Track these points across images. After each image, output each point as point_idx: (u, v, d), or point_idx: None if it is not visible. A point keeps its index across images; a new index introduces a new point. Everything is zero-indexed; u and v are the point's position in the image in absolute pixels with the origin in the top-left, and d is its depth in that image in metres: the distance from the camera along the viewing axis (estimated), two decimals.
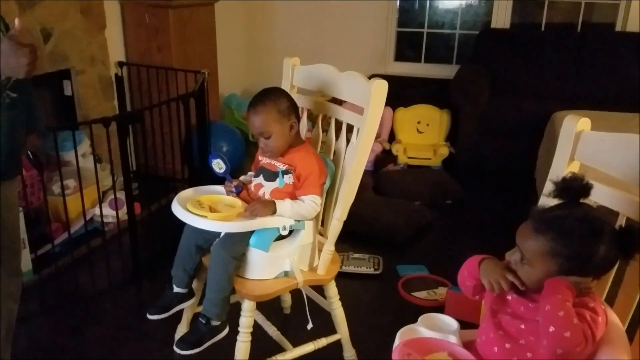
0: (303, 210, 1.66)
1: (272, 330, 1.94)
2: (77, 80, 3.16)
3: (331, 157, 1.81)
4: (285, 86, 1.93)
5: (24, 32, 1.40)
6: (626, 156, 1.22)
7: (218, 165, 1.76)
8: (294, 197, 1.69)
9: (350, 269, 2.63)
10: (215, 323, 1.68)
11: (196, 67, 3.26)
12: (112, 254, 2.59)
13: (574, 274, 1.12)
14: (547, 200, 1.22)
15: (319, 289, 1.89)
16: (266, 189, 1.72)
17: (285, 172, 1.71)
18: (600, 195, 1.24)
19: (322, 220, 1.85)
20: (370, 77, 1.64)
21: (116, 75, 3.51)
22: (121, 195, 2.69)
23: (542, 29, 4.47)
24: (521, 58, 4.16)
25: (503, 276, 1.16)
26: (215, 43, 3.96)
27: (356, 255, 2.74)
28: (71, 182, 2.69)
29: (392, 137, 4.28)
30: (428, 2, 4.69)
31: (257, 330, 1.81)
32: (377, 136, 3.52)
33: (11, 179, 1.68)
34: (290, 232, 1.70)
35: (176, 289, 1.77)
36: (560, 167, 1.33)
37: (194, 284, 1.82)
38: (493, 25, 4.52)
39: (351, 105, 1.72)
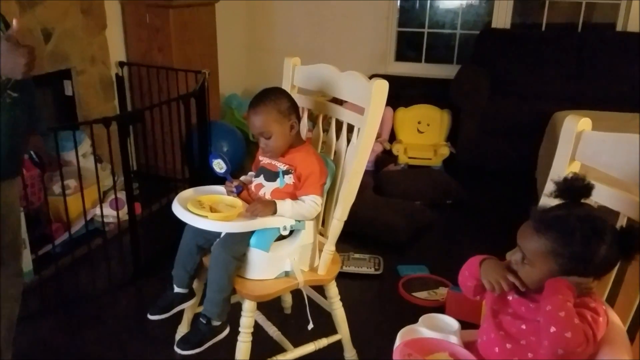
0: (304, 211, 1.66)
1: (272, 330, 1.94)
2: (78, 80, 3.16)
3: (332, 157, 1.81)
4: (285, 86, 1.93)
5: (22, 32, 1.40)
6: (627, 156, 1.22)
7: (218, 165, 1.76)
8: (294, 197, 1.69)
9: (351, 269, 2.63)
10: (215, 323, 1.68)
11: (197, 67, 3.27)
12: (112, 254, 2.59)
13: (575, 274, 1.12)
14: (548, 200, 1.22)
15: (320, 289, 1.89)
16: (267, 189, 1.72)
17: (285, 172, 1.71)
18: (601, 196, 1.24)
19: (323, 221, 1.85)
20: (370, 77, 1.64)
21: (117, 75, 3.51)
22: (122, 195, 2.69)
23: (543, 29, 4.47)
24: (522, 58, 4.15)
25: (504, 276, 1.16)
26: (215, 43, 3.96)
27: (357, 256, 2.74)
28: (72, 182, 2.69)
29: (392, 137, 4.28)
30: (429, 2, 4.69)
31: (258, 331, 1.81)
32: (378, 136, 3.51)
33: (12, 179, 1.69)
34: (291, 232, 1.70)
35: (177, 289, 1.77)
36: (561, 167, 1.33)
37: (195, 284, 1.82)
38: (494, 25, 4.52)
39: (352, 105, 1.72)
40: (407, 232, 2.97)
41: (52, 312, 2.32)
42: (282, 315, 2.26)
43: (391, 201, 3.31)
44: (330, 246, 1.74)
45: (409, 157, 4.08)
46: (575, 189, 1.15)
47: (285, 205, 1.65)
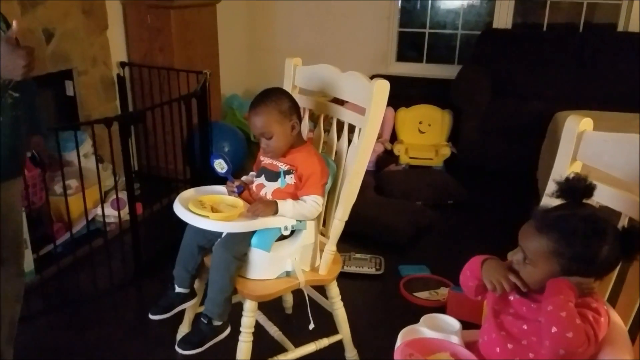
0: (305, 211, 1.66)
1: (273, 330, 1.94)
2: (79, 81, 3.16)
3: (333, 158, 1.81)
4: (286, 86, 1.93)
5: (20, 33, 1.41)
6: (628, 156, 1.22)
7: (220, 166, 1.76)
8: (295, 197, 1.69)
9: (352, 269, 2.63)
10: (217, 323, 1.68)
11: (198, 68, 3.27)
12: (113, 254, 2.59)
13: (577, 274, 1.12)
14: (549, 200, 1.22)
15: (321, 289, 1.89)
16: (268, 189, 1.72)
17: (287, 173, 1.71)
18: (602, 196, 1.24)
19: (324, 221, 1.85)
20: (371, 78, 1.64)
21: (118, 75, 3.52)
22: (123, 195, 2.70)
23: (544, 29, 4.47)
24: (523, 58, 4.15)
25: (505, 277, 1.16)
26: (217, 43, 3.96)
27: (358, 256, 2.73)
28: (73, 182, 2.69)
29: (393, 138, 4.28)
30: (430, 2, 4.69)
31: (259, 331, 1.81)
32: (379, 136, 3.52)
33: (14, 179, 1.69)
34: (292, 232, 1.70)
35: (178, 289, 1.78)
36: (563, 167, 1.33)
37: (196, 284, 1.82)
38: (495, 25, 4.52)
39: (353, 105, 1.72)
40: (408, 232, 2.97)
41: (54, 312, 2.33)
42: (283, 315, 2.26)
43: (392, 201, 3.31)
44: (331, 246, 1.74)
45: (410, 157, 4.08)
46: (577, 189, 1.15)
47: (286, 206, 1.65)
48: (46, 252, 2.56)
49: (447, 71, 4.48)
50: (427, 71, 4.68)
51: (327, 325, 1.89)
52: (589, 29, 4.35)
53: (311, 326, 1.81)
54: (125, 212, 2.70)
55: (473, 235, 3.10)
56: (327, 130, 1.87)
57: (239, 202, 1.71)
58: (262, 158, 1.79)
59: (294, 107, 1.72)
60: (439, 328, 1.29)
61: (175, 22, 3.48)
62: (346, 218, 1.71)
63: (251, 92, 4.75)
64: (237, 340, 1.71)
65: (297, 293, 1.92)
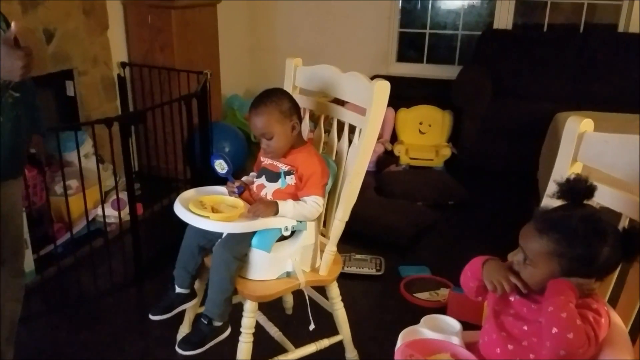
0: (305, 211, 1.66)
1: (274, 331, 1.94)
2: (80, 81, 3.16)
3: (333, 158, 1.81)
4: (287, 87, 1.93)
5: (22, 33, 1.41)
6: (629, 157, 1.22)
7: (220, 166, 1.76)
8: (296, 197, 1.69)
9: (352, 269, 2.63)
10: (217, 323, 1.68)
11: (198, 68, 3.27)
12: (114, 254, 2.59)
13: (577, 275, 1.12)
14: (550, 201, 1.22)
15: (321, 290, 1.89)
16: (268, 189, 1.72)
17: (287, 173, 1.71)
18: (603, 197, 1.24)
19: (324, 221, 1.85)
20: (372, 78, 1.64)
21: (119, 75, 3.52)
22: (123, 195, 2.70)
23: (545, 29, 4.46)
24: (523, 59, 4.15)
25: (506, 277, 1.16)
26: (217, 44, 3.96)
27: (358, 256, 2.73)
28: (73, 183, 2.69)
29: (394, 138, 4.28)
30: (430, 2, 4.69)
31: (259, 331, 1.81)
32: (379, 137, 3.52)
33: (14, 179, 1.69)
34: (292, 232, 1.70)
35: (178, 290, 1.77)
36: (563, 168, 1.33)
37: (196, 285, 1.82)
38: (495, 26, 4.52)
39: (353, 105, 1.72)
40: (409, 232, 2.97)
41: (54, 312, 2.33)
42: (284, 315, 2.26)
43: (393, 202, 3.31)
44: (331, 247, 1.74)
45: (411, 158, 4.08)
46: (577, 190, 1.15)
47: (286, 206, 1.65)
48: (46, 252, 2.56)
49: (447, 72, 4.48)
50: (427, 72, 4.68)
51: (327, 325, 1.89)
52: (589, 30, 4.35)
53: (311, 327, 1.81)
54: (125, 213, 2.70)
55: (473, 235, 3.10)
56: (328, 131, 1.87)
57: (240, 202, 1.70)
58: (262, 158, 1.79)
59: (295, 107, 1.72)
60: (440, 329, 1.29)
61: (175, 22, 3.48)
62: (346, 218, 1.71)
63: (252, 92, 4.75)
64: (237, 341, 1.71)
65: (298, 293, 1.92)
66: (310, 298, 1.86)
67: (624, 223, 1.23)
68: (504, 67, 4.14)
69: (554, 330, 1.04)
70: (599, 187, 1.18)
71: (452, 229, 3.22)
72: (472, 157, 3.99)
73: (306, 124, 1.89)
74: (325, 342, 1.88)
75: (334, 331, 1.90)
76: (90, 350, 2.12)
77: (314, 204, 1.67)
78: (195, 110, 3.00)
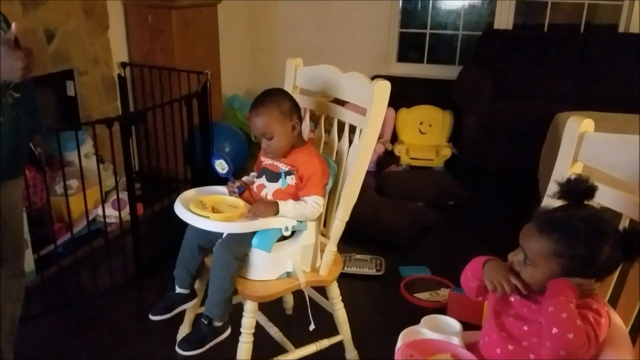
0: (306, 211, 1.66)
1: (274, 331, 1.94)
2: (80, 81, 3.16)
3: (333, 158, 1.81)
4: (287, 87, 1.93)
5: (22, 34, 1.41)
6: (630, 157, 1.21)
7: (221, 166, 1.76)
8: (296, 197, 1.69)
9: (353, 269, 2.63)
10: (217, 324, 1.68)
11: (199, 68, 3.27)
12: (114, 254, 2.59)
13: (578, 275, 1.12)
14: (550, 201, 1.22)
15: (321, 290, 1.89)
16: (269, 189, 1.72)
17: (287, 173, 1.71)
18: (603, 197, 1.24)
19: (325, 221, 1.85)
20: (372, 78, 1.64)
21: (119, 75, 3.52)
22: (124, 195, 2.70)
23: (545, 30, 4.46)
24: (524, 59, 4.15)
25: (506, 278, 1.16)
26: (218, 44, 3.96)
27: (358, 256, 2.73)
28: (74, 183, 2.69)
29: (394, 138, 4.28)
30: (431, 2, 4.69)
31: (259, 331, 1.81)
32: (380, 137, 3.52)
33: (15, 179, 1.69)
34: (293, 233, 1.70)
35: (178, 290, 1.78)
36: (564, 168, 1.33)
37: (196, 285, 1.82)
38: (496, 26, 4.52)
39: (354, 106, 1.72)
40: (409, 233, 2.97)
41: (54, 312, 2.33)
42: (284, 316, 2.26)
43: (393, 202, 3.31)
44: (332, 247, 1.74)
45: (411, 158, 4.08)
46: (578, 190, 1.15)
47: (287, 206, 1.65)
48: (47, 252, 2.56)
49: (448, 72, 4.48)
50: (428, 72, 4.68)
51: (327, 326, 1.89)
52: (590, 30, 4.35)
53: (312, 327, 1.81)
54: (126, 213, 2.70)
55: (474, 236, 3.09)
56: (328, 131, 1.87)
57: (240, 202, 1.71)
58: (262, 158, 1.79)
59: (295, 107, 1.72)
60: (440, 329, 1.29)
61: (176, 22, 3.49)
62: (347, 219, 1.71)
63: (252, 92, 4.75)
64: (237, 341, 1.71)
65: (298, 294, 1.92)
66: (310, 298, 1.86)
67: (624, 223, 1.23)
68: (505, 67, 4.14)
69: (554, 330, 1.04)
70: (599, 188, 1.18)
71: (452, 229, 3.21)
72: (472, 157, 3.99)
73: (306, 124, 1.89)
74: (325, 342, 1.88)
75: (334, 331, 1.90)
76: (91, 350, 2.12)
77: (314, 204, 1.67)
78: (196, 110, 3.00)
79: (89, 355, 2.10)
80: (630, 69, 3.92)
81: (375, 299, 2.53)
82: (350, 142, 1.73)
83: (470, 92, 3.87)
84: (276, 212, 1.64)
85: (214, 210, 1.67)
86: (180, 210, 1.65)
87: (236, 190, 1.75)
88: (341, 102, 1.83)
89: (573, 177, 1.21)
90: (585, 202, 1.17)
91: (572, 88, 4.02)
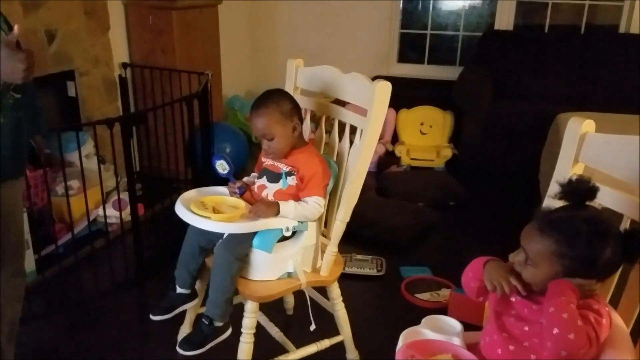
0: (306, 212, 1.66)
1: (274, 331, 1.95)
2: (81, 82, 3.16)
3: (334, 159, 1.81)
4: (288, 87, 1.93)
5: (23, 35, 1.42)
6: (630, 158, 1.21)
7: (221, 166, 1.77)
8: (297, 198, 1.69)
9: (353, 270, 2.63)
10: (218, 324, 1.68)
11: (200, 69, 3.27)
12: (115, 254, 2.59)
13: (578, 276, 1.12)
14: (551, 201, 1.22)
15: (322, 290, 1.89)
16: (269, 190, 1.72)
17: (288, 174, 1.71)
18: (604, 197, 1.24)
19: (325, 222, 1.85)
20: (373, 79, 1.64)
21: (120, 76, 3.52)
22: (125, 196, 2.70)
23: (546, 30, 4.46)
24: (525, 60, 4.15)
25: (506, 278, 1.16)
26: (218, 44, 3.96)
27: (359, 257, 2.73)
28: (75, 183, 2.69)
29: (395, 139, 4.28)
30: (431, 3, 4.69)
31: (260, 332, 1.81)
32: (380, 137, 3.52)
33: (15, 179, 1.69)
34: (294, 233, 1.70)
35: (179, 290, 1.78)
36: (565, 169, 1.33)
37: (197, 285, 1.82)
38: (496, 26, 4.52)
39: (354, 106, 1.72)
40: (410, 233, 2.97)
41: (55, 312, 2.33)
42: (285, 316, 2.26)
43: (394, 202, 3.31)
44: (332, 247, 1.74)
45: (412, 159, 4.08)
46: (579, 191, 1.15)
47: (288, 207, 1.65)
48: (48, 252, 2.57)
49: (448, 72, 4.48)
50: (428, 72, 4.68)
51: (328, 326, 1.89)
52: (590, 31, 4.35)
53: (312, 327, 1.81)
54: (126, 213, 2.70)
55: (474, 236, 3.09)
56: (329, 132, 1.87)
57: (241, 203, 1.71)
58: (263, 159, 1.79)
59: (295, 108, 1.72)
60: (441, 329, 1.29)
61: (177, 23, 3.49)
62: (347, 219, 1.71)
63: (253, 93, 4.75)
64: (238, 341, 1.71)
65: (298, 294, 1.92)
66: (311, 298, 1.86)
67: (624, 224, 1.22)
68: (505, 68, 4.14)
69: (555, 330, 1.04)
70: (600, 188, 1.18)
71: (453, 229, 3.21)
72: (473, 158, 3.99)
73: (307, 125, 1.90)
74: (326, 343, 1.88)
75: (335, 331, 1.90)
76: (91, 351, 2.12)
77: (315, 204, 1.67)
78: (197, 110, 3.00)
79: (89, 355, 2.10)
80: (631, 69, 3.92)
81: (376, 300, 2.53)
82: (351, 142, 1.73)
83: (470, 92, 3.87)
84: (277, 213, 1.64)
85: (215, 210, 1.67)
86: (181, 210, 1.65)
87: (237, 190, 1.75)
88: (342, 103, 1.83)
89: (575, 177, 1.20)
90: (587, 203, 1.17)
91: (573, 89, 4.02)
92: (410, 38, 4.80)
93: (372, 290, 2.58)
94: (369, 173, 1.72)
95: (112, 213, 2.79)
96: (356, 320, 1.96)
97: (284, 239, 1.69)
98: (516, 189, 3.65)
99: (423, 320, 1.32)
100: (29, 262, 2.37)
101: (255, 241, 1.65)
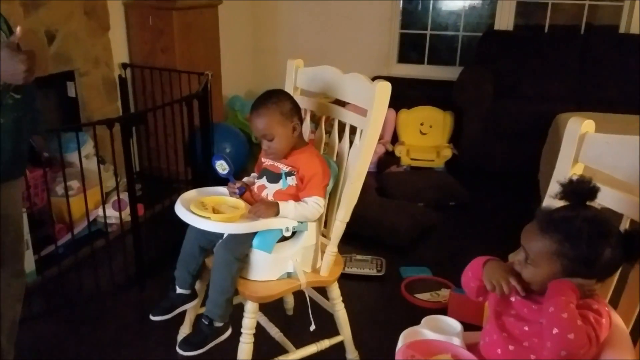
0: (306, 212, 1.66)
1: (274, 331, 1.94)
2: (81, 82, 3.16)
3: (334, 159, 1.81)
4: (288, 88, 1.93)
5: (24, 36, 1.42)
6: (630, 158, 1.21)
7: (221, 167, 1.77)
8: (297, 198, 1.69)
9: (353, 270, 2.63)
10: (218, 324, 1.68)
11: (200, 69, 3.27)
12: (115, 255, 2.59)
13: (579, 275, 1.12)
14: (552, 201, 1.22)
15: (322, 291, 1.89)
16: (269, 190, 1.72)
17: (288, 174, 1.71)
18: (604, 198, 1.23)
19: (325, 222, 1.85)
20: (373, 79, 1.64)
21: (120, 76, 3.52)
22: (124, 196, 2.70)
23: (546, 30, 4.46)
24: (525, 60, 4.15)
25: (505, 279, 1.16)
26: (218, 45, 3.96)
27: (359, 257, 2.73)
28: (75, 184, 2.69)
29: (395, 139, 4.28)
30: (431, 3, 4.69)
31: (260, 332, 1.81)
32: (380, 138, 3.52)
33: (15, 180, 1.69)
34: (294, 233, 1.70)
35: (179, 290, 1.78)
36: (564, 169, 1.33)
37: (197, 285, 1.82)
38: (496, 27, 4.52)
39: (354, 107, 1.72)
40: (410, 233, 2.97)
41: (55, 313, 2.33)
42: (284, 316, 2.26)
43: (394, 203, 3.31)
44: (332, 247, 1.74)
45: (412, 159, 4.08)
46: (580, 191, 1.15)
47: (288, 207, 1.65)
48: (47, 253, 2.56)
49: (448, 73, 4.48)
50: (428, 73, 4.68)
51: (328, 326, 1.89)
52: (590, 31, 4.34)
53: (312, 327, 1.81)
54: (126, 213, 2.70)
55: (474, 236, 3.09)
56: (329, 132, 1.88)
57: (241, 203, 1.71)
58: (263, 159, 1.79)
59: (295, 108, 1.72)
60: (441, 330, 1.29)
61: (177, 23, 3.49)
62: (347, 219, 1.71)
63: (253, 93, 4.75)
64: (238, 342, 1.71)
65: (298, 294, 1.92)
66: (311, 299, 1.86)
67: (624, 224, 1.22)
68: (505, 68, 4.14)
69: (555, 330, 1.04)
70: (600, 188, 1.18)
71: (453, 229, 3.21)
72: (473, 158, 3.99)
73: (307, 125, 1.90)
74: (326, 343, 1.88)
75: (335, 332, 1.90)
76: (91, 351, 2.12)
77: (315, 204, 1.67)
78: (197, 111, 3.00)
79: (89, 355, 2.10)
80: (631, 69, 3.91)
81: (376, 300, 2.53)
82: (351, 143, 1.73)
83: (470, 93, 3.87)
84: (277, 213, 1.64)
85: (215, 211, 1.67)
86: (181, 211, 1.65)
87: (237, 191, 1.75)
88: (342, 103, 1.83)
89: (576, 177, 1.20)
90: (587, 203, 1.17)
91: (573, 89, 4.02)
92: (410, 38, 4.80)
93: (372, 290, 2.58)
94: (369, 173, 1.72)
95: (112, 213, 2.79)
96: (356, 321, 1.96)
97: (284, 239, 1.69)
98: (516, 189, 3.65)
99: (423, 320, 1.32)
100: (29, 262, 2.37)
101: (255, 241, 1.65)
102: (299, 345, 1.86)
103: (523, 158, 3.68)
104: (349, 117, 1.75)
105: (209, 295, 1.68)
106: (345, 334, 1.90)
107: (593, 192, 1.16)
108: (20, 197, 1.76)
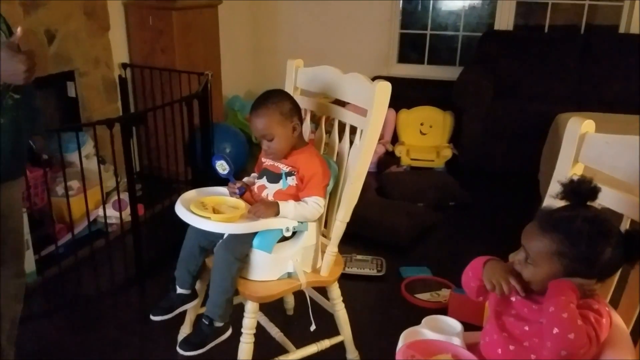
0: (306, 212, 1.66)
1: (275, 331, 1.95)
2: (81, 82, 3.16)
3: (334, 159, 1.81)
4: (288, 88, 1.93)
5: (24, 37, 1.42)
6: (630, 158, 1.22)
7: (221, 167, 1.77)
8: (297, 198, 1.69)
9: (354, 270, 2.63)
10: (218, 324, 1.68)
11: (200, 69, 3.27)
12: (115, 255, 2.59)
13: (579, 275, 1.12)
14: (552, 201, 1.22)
15: (322, 291, 1.89)
16: (269, 190, 1.72)
17: (288, 174, 1.71)
18: (604, 198, 1.23)
19: (325, 222, 1.85)
20: (373, 79, 1.64)
21: (120, 76, 3.52)
22: (125, 196, 2.70)
23: (546, 30, 4.46)
24: (524, 60, 4.15)
25: (505, 279, 1.16)
26: (218, 45, 3.96)
27: (359, 257, 2.73)
28: (75, 184, 2.69)
29: (395, 139, 4.28)
30: (431, 3, 4.69)
31: (260, 332, 1.81)
32: (380, 138, 3.52)
33: (15, 180, 1.69)
34: (294, 233, 1.70)
35: (179, 290, 1.78)
36: (565, 169, 1.33)
37: (197, 285, 1.82)
38: (496, 27, 4.52)
39: (354, 107, 1.72)
40: (410, 233, 2.97)
41: (55, 312, 2.33)
42: (285, 316, 2.26)
43: (394, 203, 3.31)
44: (332, 247, 1.74)
45: (412, 159, 4.08)
46: (581, 191, 1.15)
47: (288, 207, 1.65)
48: (48, 253, 2.57)
49: (448, 73, 4.48)
50: (428, 73, 4.68)
51: (328, 326, 1.89)
52: (590, 31, 4.35)
53: (312, 327, 1.81)
54: (126, 213, 2.70)
55: (474, 236, 3.09)
56: (329, 132, 1.88)
57: (241, 203, 1.71)
58: (263, 159, 1.79)
59: (295, 108, 1.72)
60: (441, 329, 1.29)
61: (177, 23, 3.49)
62: (348, 219, 1.72)
63: (253, 93, 4.75)
64: (238, 342, 1.71)
65: (299, 294, 1.92)
66: (311, 299, 1.86)
67: (625, 224, 1.23)
68: (505, 68, 4.14)
69: (555, 330, 1.04)
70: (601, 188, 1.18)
71: (453, 230, 3.22)
72: (473, 158, 3.99)
73: (307, 125, 1.90)
74: (326, 343, 1.88)
75: (335, 332, 1.90)
76: (91, 351, 2.12)
77: (315, 204, 1.67)
78: (197, 111, 3.01)
79: (89, 355, 2.10)
80: (631, 69, 3.91)
81: (376, 300, 2.53)
82: (351, 143, 1.73)
83: (470, 93, 3.87)
84: (277, 213, 1.64)
85: (215, 211, 1.67)
86: (181, 211, 1.65)
87: (237, 191, 1.75)
88: (342, 103, 1.83)
89: (576, 177, 1.21)
90: (588, 203, 1.17)
91: (573, 89, 4.02)
92: (410, 38, 4.80)
93: (372, 290, 2.58)
94: (369, 173, 1.72)
95: (112, 213, 2.79)
96: (356, 321, 1.96)
97: (284, 239, 1.69)
98: (516, 189, 3.65)
99: (423, 321, 1.32)
100: (29, 262, 2.37)
101: (256, 241, 1.65)
102: (299, 345, 1.86)
103: (523, 158, 3.68)
104: (349, 117, 1.75)
105: (209, 295, 1.68)
106: (346, 334, 1.90)
107: (594, 192, 1.16)
108: (20, 197, 1.76)
